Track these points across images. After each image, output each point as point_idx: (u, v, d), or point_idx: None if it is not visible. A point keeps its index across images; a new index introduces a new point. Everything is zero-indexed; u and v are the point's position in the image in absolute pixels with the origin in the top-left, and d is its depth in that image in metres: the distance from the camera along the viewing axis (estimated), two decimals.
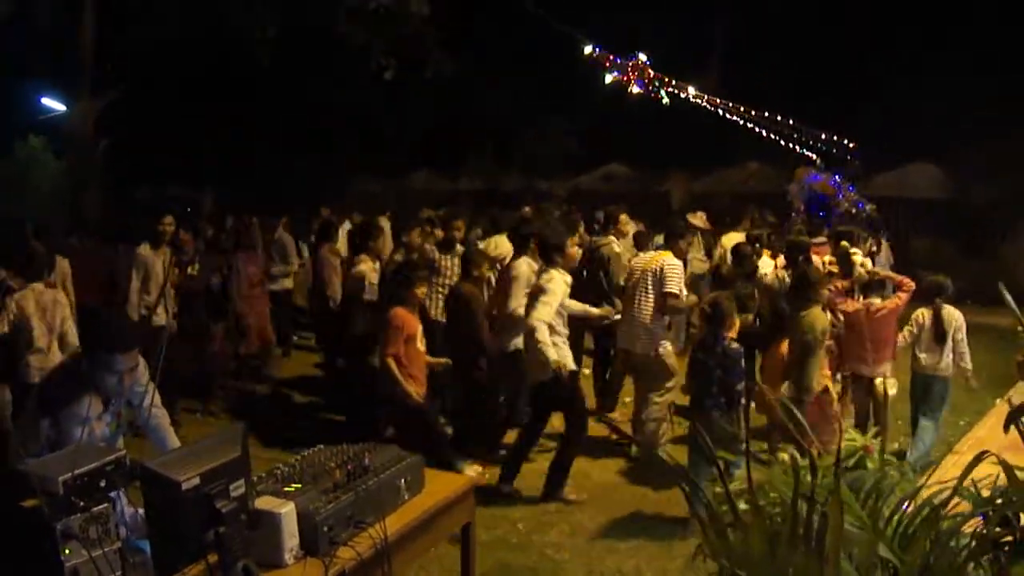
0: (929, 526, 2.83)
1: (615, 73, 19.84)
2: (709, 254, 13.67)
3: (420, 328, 7.79)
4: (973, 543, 2.90)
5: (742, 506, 3.04)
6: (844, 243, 10.12)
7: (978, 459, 3.03)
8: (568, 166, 29.65)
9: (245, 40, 20.18)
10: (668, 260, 8.88)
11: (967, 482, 3.10)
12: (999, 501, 3.08)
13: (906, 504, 3.07)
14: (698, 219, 13.40)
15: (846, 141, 18.94)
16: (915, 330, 8.65)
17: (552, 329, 7.65)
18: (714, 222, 14.10)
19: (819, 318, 7.51)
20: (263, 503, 3.84)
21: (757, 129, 19.74)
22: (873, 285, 8.91)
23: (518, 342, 8.52)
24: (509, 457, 8.25)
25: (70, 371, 4.87)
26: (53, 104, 22.82)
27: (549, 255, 8.02)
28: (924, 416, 8.56)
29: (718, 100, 20.06)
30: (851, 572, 2.74)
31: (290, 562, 3.83)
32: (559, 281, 7.80)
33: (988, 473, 3.16)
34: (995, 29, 21.85)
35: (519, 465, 8.14)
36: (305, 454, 4.61)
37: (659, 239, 12.27)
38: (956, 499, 3.06)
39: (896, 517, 3.03)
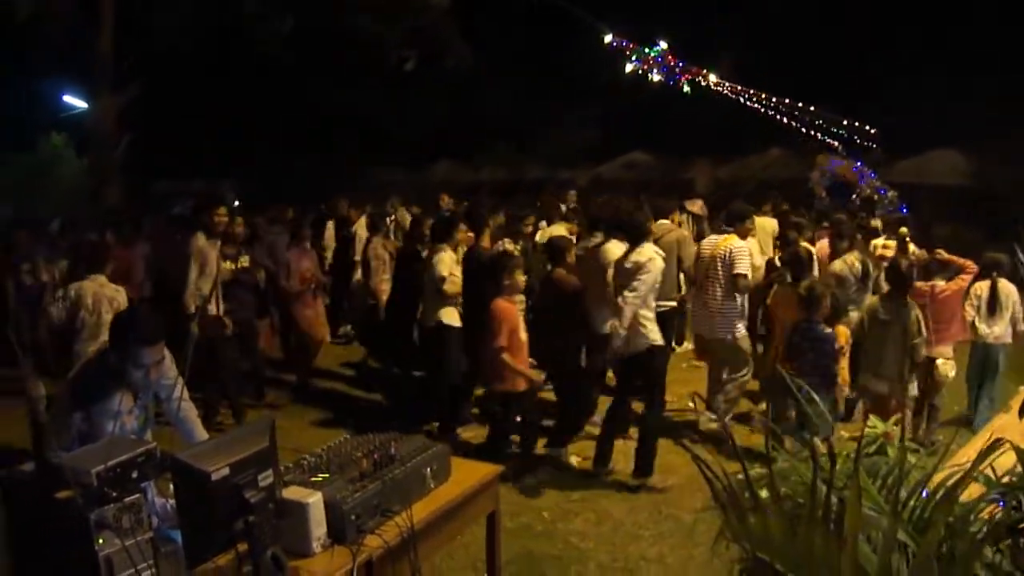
0: (945, 510, 2.85)
1: (636, 62, 19.81)
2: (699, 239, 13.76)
3: (520, 317, 7.84)
4: (990, 527, 2.92)
5: (763, 493, 3.08)
6: (904, 229, 10.92)
7: (993, 447, 3.05)
8: (590, 155, 29.61)
9: (263, 36, 20.25)
10: (735, 243, 8.98)
11: (986, 469, 3.13)
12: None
13: (923, 489, 3.10)
14: (696, 207, 13.46)
15: (867, 127, 18.90)
16: (975, 303, 9.13)
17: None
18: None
19: (915, 307, 8.32)
20: (291, 493, 3.90)
21: (778, 116, 19.70)
22: (937, 267, 9.18)
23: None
24: (602, 440, 8.32)
25: (101, 365, 4.92)
26: (75, 102, 22.93)
27: (639, 234, 8.12)
28: (985, 382, 9.17)
29: (739, 88, 20.02)
30: (869, 554, 2.77)
31: (318, 550, 3.87)
32: (657, 258, 7.92)
33: (1013, 460, 3.18)
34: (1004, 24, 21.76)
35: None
36: (331, 444, 4.66)
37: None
38: (975, 485, 3.08)
39: (913, 501, 3.06)
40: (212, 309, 9.57)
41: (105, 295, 8.48)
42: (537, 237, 11.18)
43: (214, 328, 9.53)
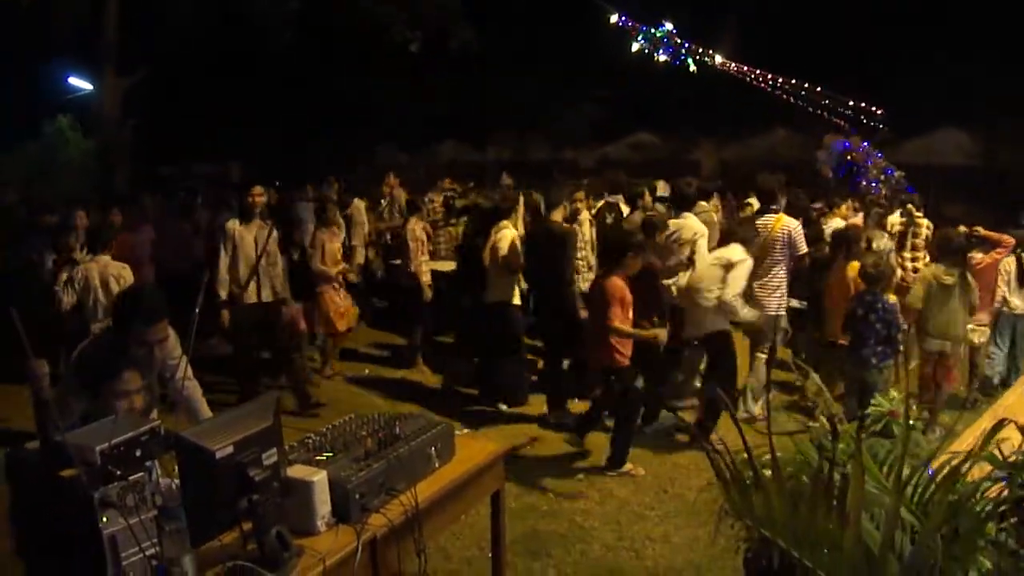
0: (949, 489, 2.85)
1: (641, 41, 19.74)
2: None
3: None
4: (995, 506, 2.92)
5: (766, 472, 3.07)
6: (910, 205, 11.64)
7: (998, 426, 3.04)
8: (595, 136, 29.56)
9: (267, 18, 20.18)
10: (792, 224, 9.26)
11: (992, 449, 3.12)
12: None
13: (931, 469, 3.09)
14: (662, 188, 13.63)
15: (874, 108, 18.82)
16: (1006, 277, 9.67)
17: None
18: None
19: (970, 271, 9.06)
20: (295, 471, 3.90)
21: (785, 96, 19.63)
22: (975, 242, 9.77)
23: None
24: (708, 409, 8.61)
25: (105, 344, 4.92)
26: (80, 84, 22.89)
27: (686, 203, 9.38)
28: (1016, 354, 9.93)
29: (745, 68, 19.94)
30: (872, 532, 2.77)
31: (322, 529, 3.88)
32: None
33: (1020, 440, 3.17)
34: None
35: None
36: (336, 423, 4.67)
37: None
38: (980, 464, 3.08)
39: (916, 479, 3.05)
40: (251, 296, 9.34)
41: (111, 274, 8.58)
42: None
43: (248, 317, 9.38)
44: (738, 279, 8.23)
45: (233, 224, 9.39)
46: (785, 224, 9.16)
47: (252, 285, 9.32)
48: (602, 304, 7.66)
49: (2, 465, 3.64)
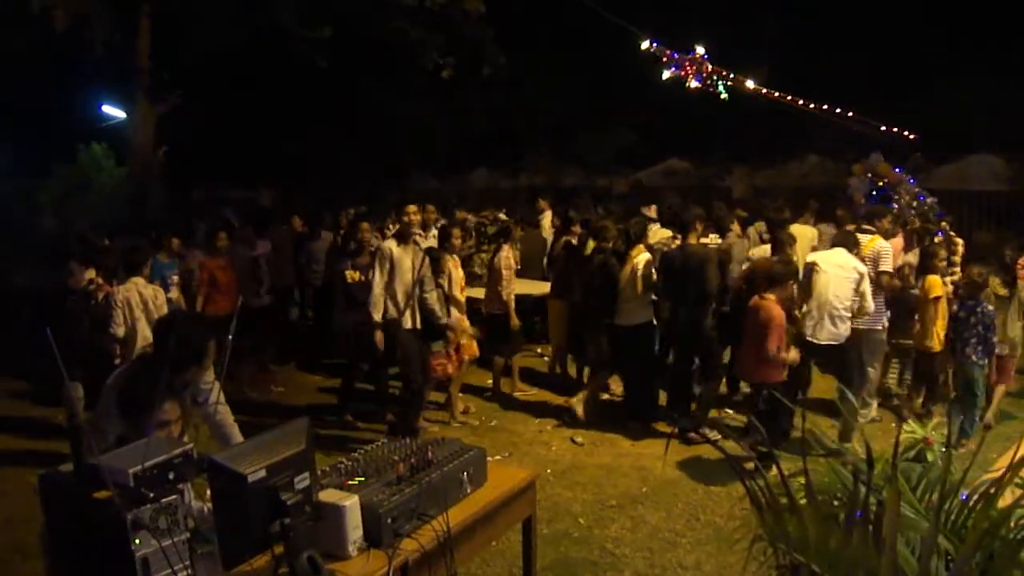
0: (983, 515, 2.82)
1: (673, 68, 19.73)
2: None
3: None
4: None
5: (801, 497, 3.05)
6: (944, 224, 12.70)
7: None
8: (627, 162, 29.57)
9: (301, 41, 20.32)
10: (881, 244, 9.78)
11: None
12: None
13: (964, 494, 3.06)
14: (651, 211, 13.69)
15: (906, 133, 18.74)
16: None
17: None
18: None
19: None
20: (328, 496, 3.91)
21: (817, 121, 19.58)
22: None
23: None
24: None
25: (147, 374, 4.87)
26: (114, 111, 23.12)
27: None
28: None
29: (776, 93, 19.90)
30: (909, 558, 2.75)
31: (354, 554, 3.89)
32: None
33: None
34: None
35: None
36: (368, 448, 4.68)
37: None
38: (1017, 490, 3.04)
39: (948, 505, 3.02)
40: (407, 322, 9.05)
41: (147, 296, 8.68)
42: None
43: (410, 342, 9.10)
44: (868, 286, 8.98)
45: (391, 245, 9.07)
46: (875, 245, 9.68)
47: (408, 311, 9.07)
48: (763, 328, 8.22)
49: (36, 487, 3.66)
